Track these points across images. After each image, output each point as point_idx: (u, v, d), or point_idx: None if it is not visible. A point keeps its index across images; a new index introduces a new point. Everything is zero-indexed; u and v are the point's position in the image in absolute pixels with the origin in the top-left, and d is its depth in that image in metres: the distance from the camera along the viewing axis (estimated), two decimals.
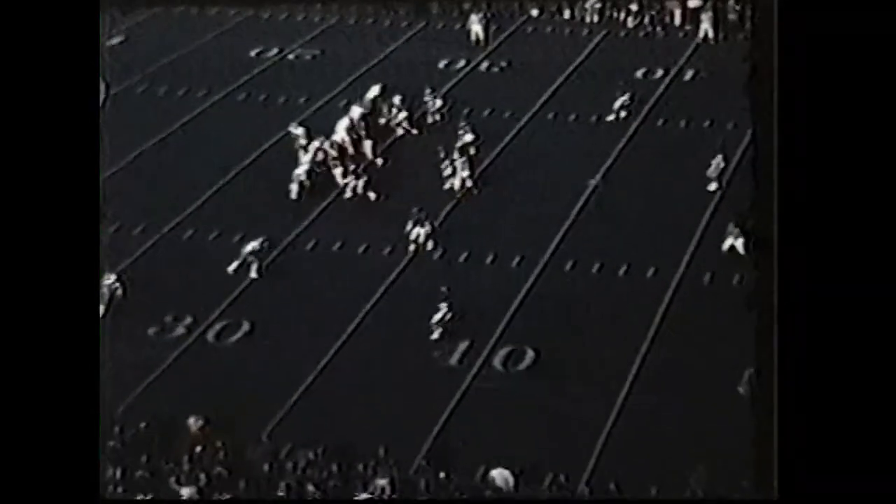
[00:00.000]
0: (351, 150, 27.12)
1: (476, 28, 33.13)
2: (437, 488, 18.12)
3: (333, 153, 26.67)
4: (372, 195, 25.85)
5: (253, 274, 23.52)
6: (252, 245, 23.77)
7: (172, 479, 18.39)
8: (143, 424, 19.42)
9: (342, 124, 27.33)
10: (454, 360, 21.26)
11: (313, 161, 26.29)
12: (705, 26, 32.71)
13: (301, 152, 26.69)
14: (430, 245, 24.15)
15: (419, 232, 24.10)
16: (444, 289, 21.83)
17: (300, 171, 26.11)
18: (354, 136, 27.36)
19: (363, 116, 27.77)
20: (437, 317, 21.60)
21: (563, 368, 20.83)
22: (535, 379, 20.71)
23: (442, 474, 18.24)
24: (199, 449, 18.93)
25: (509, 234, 24.76)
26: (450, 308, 21.63)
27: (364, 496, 17.92)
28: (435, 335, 21.55)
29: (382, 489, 18.03)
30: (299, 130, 27.15)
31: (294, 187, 25.91)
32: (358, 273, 23.73)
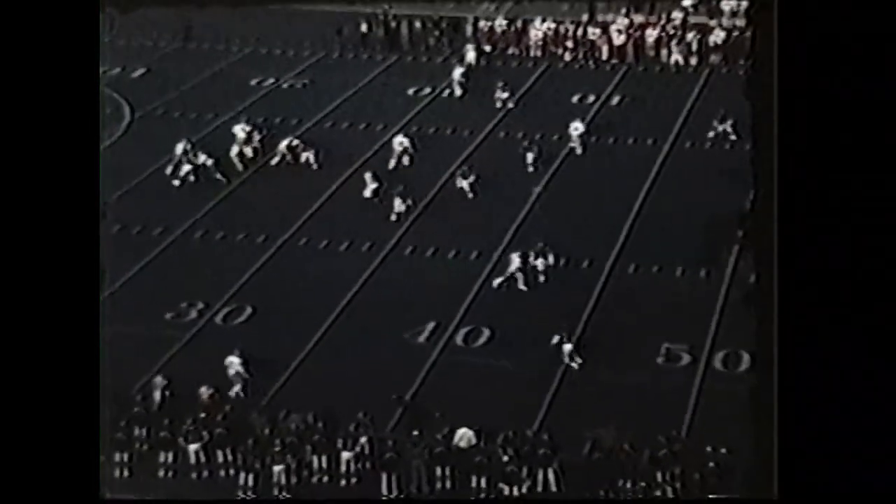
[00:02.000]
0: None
1: (470, 56, 33.08)
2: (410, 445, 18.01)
3: None
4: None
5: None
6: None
7: (181, 439, 18.19)
8: (160, 394, 19.25)
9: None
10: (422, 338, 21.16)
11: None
12: (675, 56, 32.63)
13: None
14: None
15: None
16: None
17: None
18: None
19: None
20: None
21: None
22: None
23: (415, 433, 18.11)
24: (205, 414, 18.67)
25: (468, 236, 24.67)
26: None
27: (347, 455, 17.77)
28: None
29: (363, 447, 17.89)
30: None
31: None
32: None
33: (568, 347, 20.14)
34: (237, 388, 19.70)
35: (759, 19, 11.28)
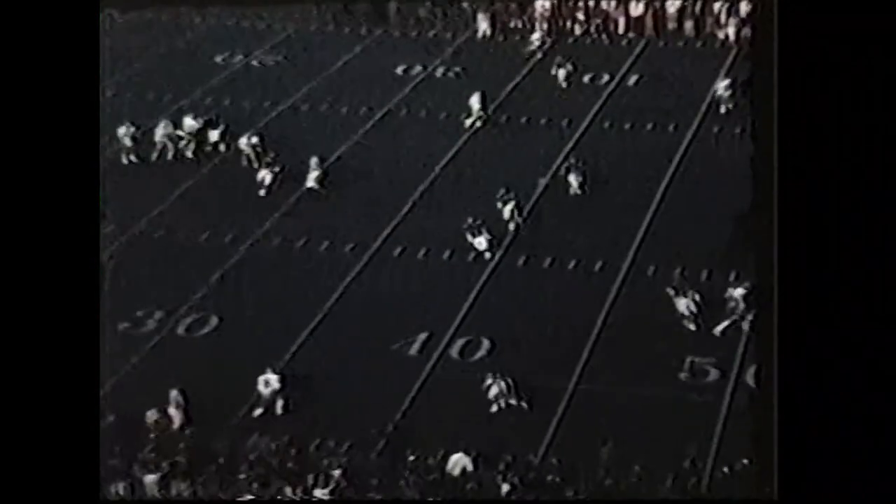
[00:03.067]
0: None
1: (483, 25, 33.35)
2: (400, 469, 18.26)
3: None
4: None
5: None
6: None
7: (136, 467, 18.40)
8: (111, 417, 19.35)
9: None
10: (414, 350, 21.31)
11: None
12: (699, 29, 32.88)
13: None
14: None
15: None
16: None
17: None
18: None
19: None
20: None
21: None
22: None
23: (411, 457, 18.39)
24: (158, 437, 18.97)
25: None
26: None
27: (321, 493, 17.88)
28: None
29: (337, 483, 17.97)
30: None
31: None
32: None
33: None
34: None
35: (760, 18, 12.25)
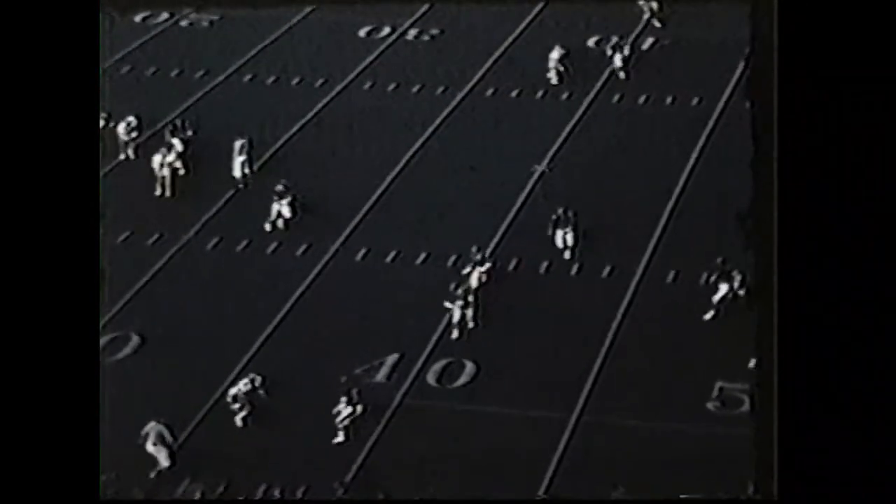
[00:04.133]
0: None
1: None
2: None
3: None
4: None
5: None
6: None
7: None
8: None
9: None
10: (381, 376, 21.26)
11: None
12: None
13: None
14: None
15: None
16: None
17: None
18: None
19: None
20: None
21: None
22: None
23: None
24: None
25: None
26: None
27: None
28: None
29: None
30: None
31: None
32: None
33: None
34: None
35: (759, 18, 13.36)
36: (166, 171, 26.09)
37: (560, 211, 23.90)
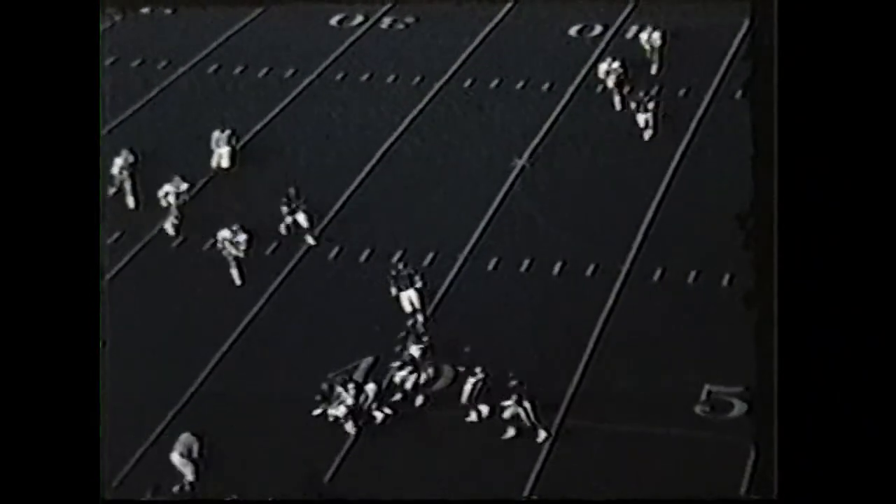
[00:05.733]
0: None
1: None
2: None
3: None
4: None
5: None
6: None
7: None
8: None
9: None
10: None
11: None
12: None
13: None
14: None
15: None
16: None
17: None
18: None
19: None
20: None
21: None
22: None
23: None
24: None
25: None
26: None
27: None
28: None
29: None
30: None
31: None
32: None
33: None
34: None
35: (759, 17, 14.15)
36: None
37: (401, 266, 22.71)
